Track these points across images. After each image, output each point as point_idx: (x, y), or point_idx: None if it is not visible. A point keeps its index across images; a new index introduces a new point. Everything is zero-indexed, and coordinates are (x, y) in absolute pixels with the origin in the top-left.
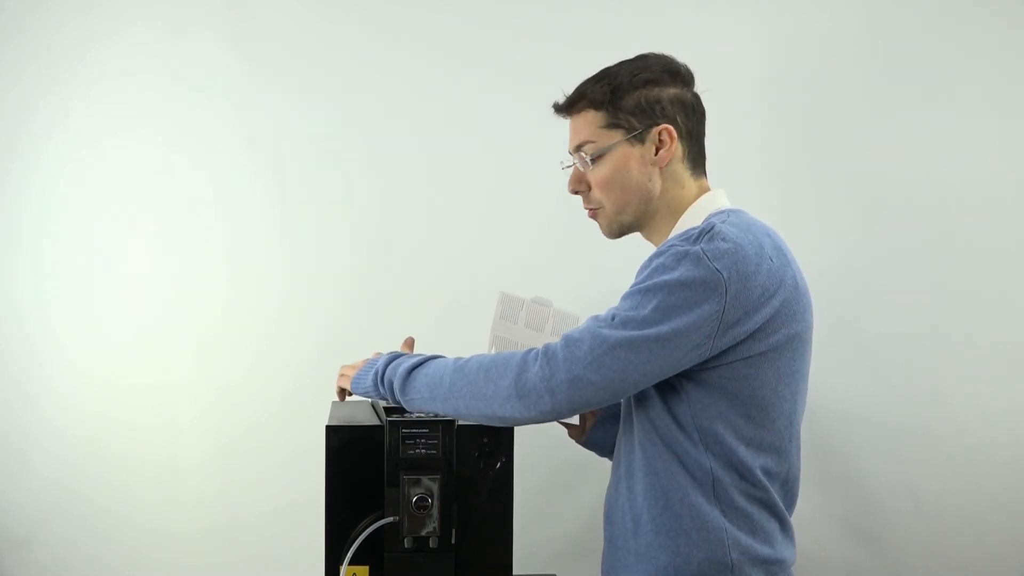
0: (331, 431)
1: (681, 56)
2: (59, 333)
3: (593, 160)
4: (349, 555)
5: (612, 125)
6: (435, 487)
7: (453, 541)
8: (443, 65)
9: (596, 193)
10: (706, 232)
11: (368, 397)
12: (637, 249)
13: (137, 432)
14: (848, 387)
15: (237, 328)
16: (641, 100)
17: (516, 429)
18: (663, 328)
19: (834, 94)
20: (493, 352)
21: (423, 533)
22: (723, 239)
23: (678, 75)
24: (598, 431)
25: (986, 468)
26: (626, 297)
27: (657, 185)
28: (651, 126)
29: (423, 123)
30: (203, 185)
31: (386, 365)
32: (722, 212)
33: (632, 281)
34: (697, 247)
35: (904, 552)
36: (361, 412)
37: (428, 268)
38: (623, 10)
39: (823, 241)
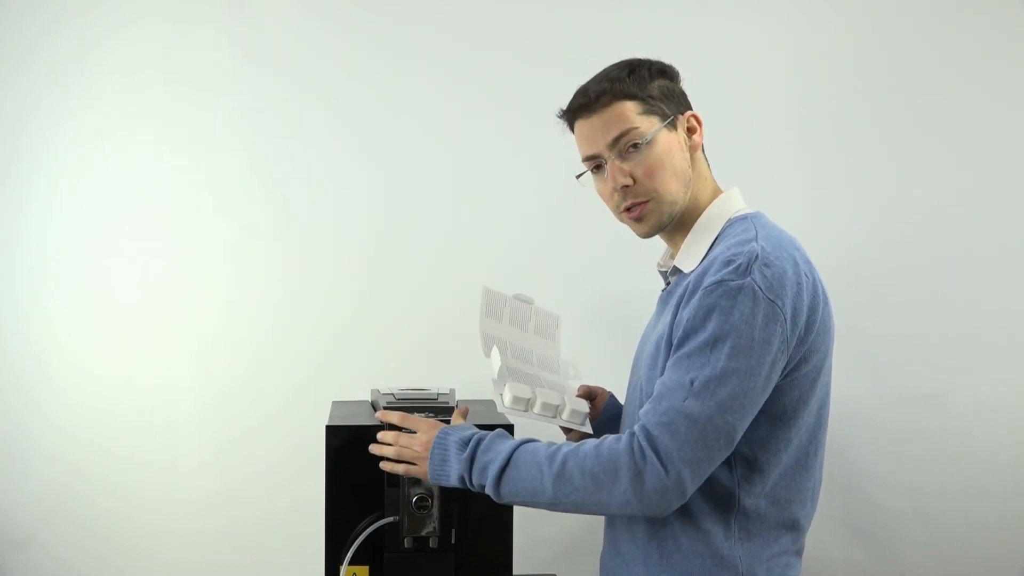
0: (331, 431)
1: (694, 59)
2: (59, 333)
3: (637, 148)
4: (349, 555)
5: (648, 112)
6: (435, 487)
7: (453, 541)
8: (443, 65)
9: (645, 183)
10: (753, 261)
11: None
12: (639, 248)
13: (137, 432)
14: (849, 388)
15: (237, 328)
16: (665, 88)
17: (516, 429)
18: (745, 376)
19: (844, 98)
20: (492, 354)
21: (423, 533)
22: (767, 265)
23: (675, 73)
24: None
25: (986, 469)
26: (692, 354)
27: (691, 173)
28: (679, 112)
29: (423, 123)
30: (203, 185)
31: (470, 468)
32: (745, 219)
33: (639, 284)
34: (748, 279)
35: (904, 553)
36: (361, 412)
37: (429, 267)
38: (629, 15)
39: (825, 243)
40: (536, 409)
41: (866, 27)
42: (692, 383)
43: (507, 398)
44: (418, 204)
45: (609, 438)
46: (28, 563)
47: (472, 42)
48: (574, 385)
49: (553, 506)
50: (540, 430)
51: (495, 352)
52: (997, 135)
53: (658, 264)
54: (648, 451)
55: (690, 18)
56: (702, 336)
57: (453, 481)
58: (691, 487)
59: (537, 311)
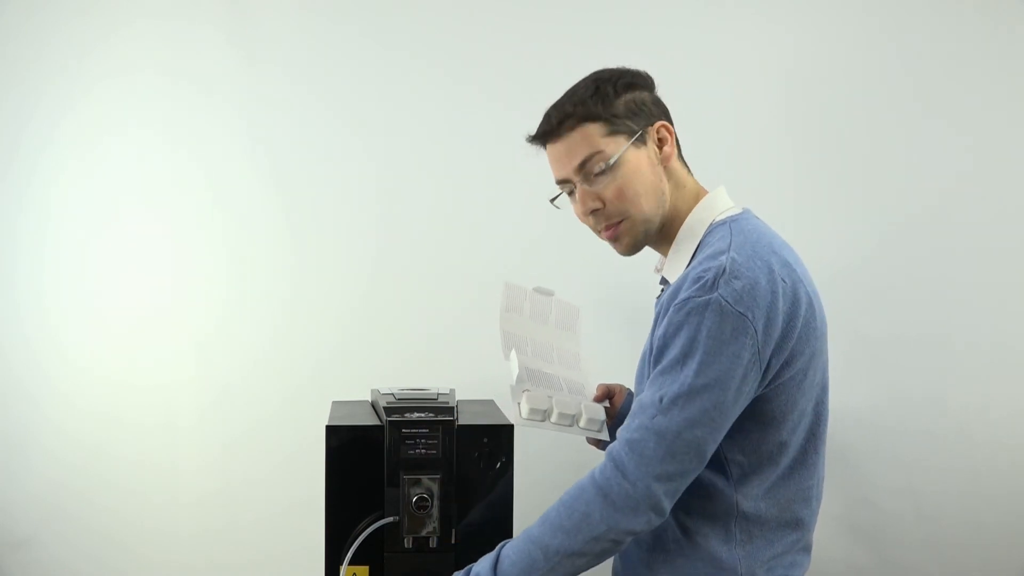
0: (331, 431)
1: (698, 59)
2: (59, 333)
3: (604, 172)
4: (349, 555)
5: (613, 132)
6: (435, 487)
7: (453, 541)
8: (443, 63)
9: (616, 205)
10: (720, 275)
11: None
12: None
13: (137, 432)
14: (849, 390)
15: (237, 328)
16: (630, 103)
17: (516, 428)
18: (714, 391)
19: (840, 97)
20: (512, 357)
21: (423, 533)
22: (736, 277)
23: (646, 79)
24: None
25: (986, 470)
26: (664, 372)
27: (667, 185)
28: (647, 126)
29: (424, 121)
30: (203, 184)
31: None
32: (724, 225)
33: (633, 285)
34: (715, 295)
35: (905, 554)
36: (361, 412)
37: (430, 265)
38: (631, 14)
39: (825, 245)
40: (553, 419)
41: (864, 24)
42: (661, 400)
43: (524, 409)
44: (418, 204)
45: (574, 485)
46: (28, 563)
47: (473, 40)
48: (594, 381)
49: (556, 569)
50: (556, 437)
51: (514, 356)
52: (997, 134)
53: (655, 269)
54: (611, 470)
55: (688, 18)
56: (672, 353)
57: None
58: (667, 501)
59: (558, 303)
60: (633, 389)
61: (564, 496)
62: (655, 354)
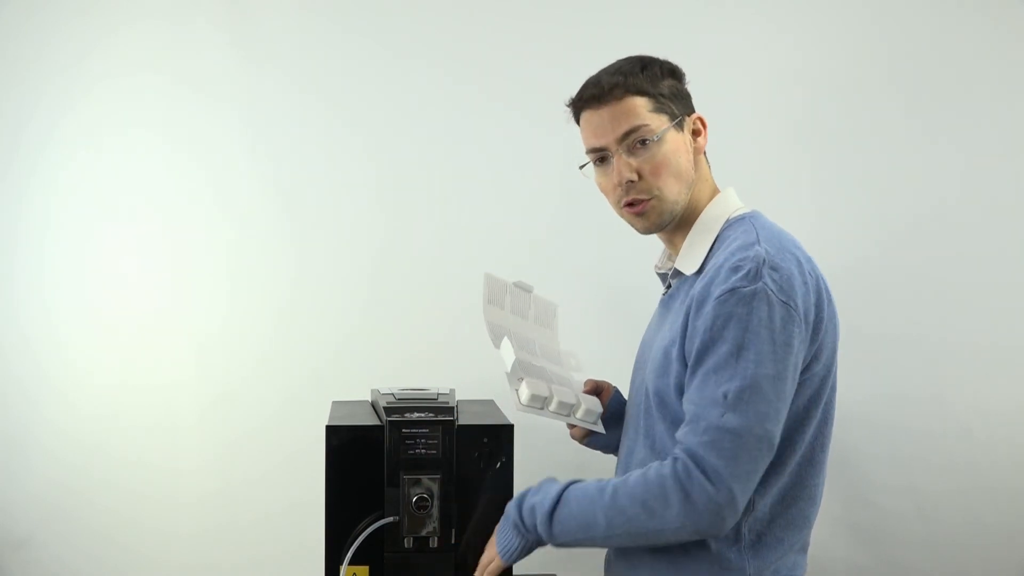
0: (331, 431)
1: (695, 58)
2: (59, 333)
3: (646, 146)
4: (349, 555)
5: (658, 110)
6: (435, 487)
7: (453, 541)
8: (443, 63)
9: (650, 180)
10: (761, 265)
11: (523, 555)
12: (642, 245)
13: (137, 432)
14: (850, 389)
15: (238, 328)
16: (673, 87)
17: (516, 428)
18: (776, 381)
19: (845, 97)
20: (503, 346)
21: (423, 533)
22: (773, 267)
23: (682, 72)
24: (601, 435)
25: (987, 470)
26: (719, 367)
27: (694, 175)
28: (686, 114)
29: (424, 121)
30: (204, 185)
31: (519, 511)
32: (743, 220)
33: (653, 293)
34: (760, 284)
35: (905, 553)
36: (361, 412)
37: (430, 265)
38: (631, 14)
39: (827, 245)
40: (552, 407)
41: (867, 27)
42: (726, 396)
43: (524, 395)
44: (418, 204)
45: (655, 464)
46: (28, 562)
47: (473, 41)
48: (577, 377)
49: (608, 539)
50: (547, 426)
51: (506, 343)
52: (998, 136)
53: (656, 267)
54: (695, 472)
55: (691, 18)
56: (724, 347)
57: (511, 536)
58: (743, 501)
59: (536, 299)
60: (629, 384)
61: (641, 478)
62: (698, 348)
